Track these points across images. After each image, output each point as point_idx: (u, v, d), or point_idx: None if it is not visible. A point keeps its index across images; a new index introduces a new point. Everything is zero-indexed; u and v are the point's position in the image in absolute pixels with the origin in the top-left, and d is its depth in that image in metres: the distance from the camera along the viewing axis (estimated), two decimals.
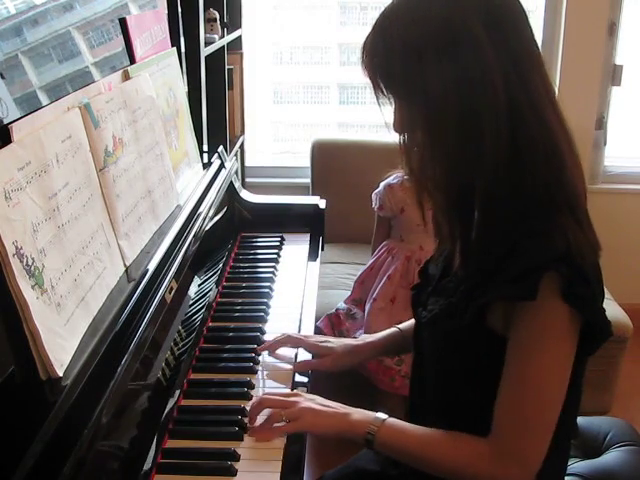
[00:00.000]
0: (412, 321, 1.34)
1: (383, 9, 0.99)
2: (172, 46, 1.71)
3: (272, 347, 1.34)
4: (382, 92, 0.98)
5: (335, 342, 1.34)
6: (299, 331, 1.45)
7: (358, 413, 1.09)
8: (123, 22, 1.42)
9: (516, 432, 0.97)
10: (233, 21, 2.80)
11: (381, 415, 1.07)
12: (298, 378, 1.29)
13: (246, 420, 1.14)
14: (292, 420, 1.09)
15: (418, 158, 1.01)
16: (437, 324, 1.09)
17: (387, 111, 1.01)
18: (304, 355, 1.34)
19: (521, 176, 0.95)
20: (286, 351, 1.35)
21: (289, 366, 1.32)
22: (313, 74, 3.41)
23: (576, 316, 0.94)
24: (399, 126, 1.01)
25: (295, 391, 1.19)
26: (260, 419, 1.13)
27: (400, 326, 1.36)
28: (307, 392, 1.24)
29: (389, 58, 0.95)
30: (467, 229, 1.02)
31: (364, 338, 1.37)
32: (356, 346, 1.33)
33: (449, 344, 1.06)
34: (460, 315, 1.01)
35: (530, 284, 0.92)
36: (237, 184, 1.95)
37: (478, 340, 1.01)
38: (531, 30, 0.98)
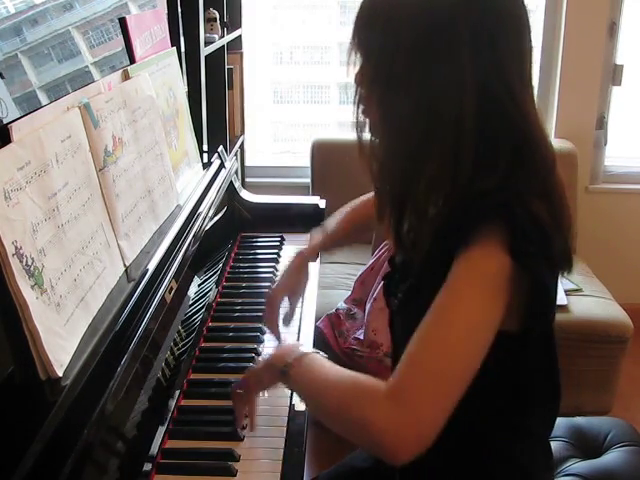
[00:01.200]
0: (335, 222, 1.43)
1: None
2: (172, 46, 1.71)
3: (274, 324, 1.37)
4: (354, 51, 0.98)
5: (282, 279, 1.40)
6: (299, 331, 1.44)
7: (286, 348, 1.08)
8: (123, 22, 1.42)
9: (414, 375, 0.87)
10: (233, 21, 2.80)
11: (308, 349, 1.02)
12: None
13: (246, 420, 1.14)
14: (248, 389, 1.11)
15: (371, 145, 1.01)
16: (405, 309, 1.06)
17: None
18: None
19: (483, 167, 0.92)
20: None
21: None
22: (313, 74, 3.41)
23: (517, 272, 0.87)
24: (357, 81, 0.99)
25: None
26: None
27: (325, 227, 1.43)
28: None
29: (371, 27, 0.95)
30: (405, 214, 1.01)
31: (297, 253, 1.42)
32: (295, 262, 1.40)
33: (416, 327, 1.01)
34: (421, 292, 0.96)
35: (467, 229, 0.88)
36: (237, 184, 1.95)
37: None
38: (525, 29, 0.95)
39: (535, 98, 0.98)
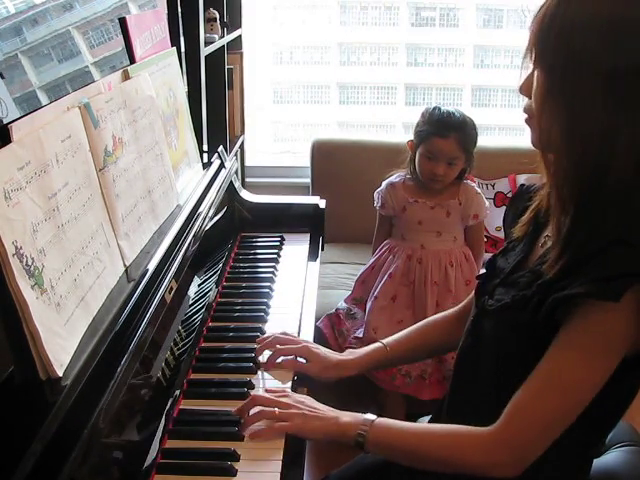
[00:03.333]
0: (399, 336, 1.37)
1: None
2: (172, 46, 1.71)
3: (259, 348, 1.34)
4: (536, 59, 0.98)
5: (324, 351, 1.33)
6: (299, 331, 1.44)
7: (347, 416, 1.09)
8: (123, 22, 1.42)
9: (523, 424, 0.97)
10: (233, 21, 2.80)
11: (370, 415, 1.08)
12: (298, 374, 1.29)
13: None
14: (282, 421, 1.09)
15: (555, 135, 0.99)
16: (505, 314, 1.07)
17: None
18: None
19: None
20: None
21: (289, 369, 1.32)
22: (313, 74, 3.42)
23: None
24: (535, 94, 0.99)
25: (284, 390, 1.18)
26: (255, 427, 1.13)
27: (385, 341, 1.35)
28: (307, 391, 1.25)
29: (555, 46, 0.94)
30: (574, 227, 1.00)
31: (350, 353, 1.35)
32: (342, 361, 1.32)
33: (514, 333, 1.04)
34: (534, 308, 1.00)
35: (617, 286, 0.90)
36: (237, 184, 1.95)
37: (544, 333, 0.99)
38: None
39: None
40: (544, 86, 0.97)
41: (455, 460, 1.02)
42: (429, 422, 1.30)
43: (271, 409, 1.11)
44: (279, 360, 1.31)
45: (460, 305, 1.37)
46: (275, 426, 1.10)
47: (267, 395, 1.15)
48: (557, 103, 0.96)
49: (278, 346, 1.32)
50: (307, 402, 1.13)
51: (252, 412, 1.13)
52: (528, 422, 0.97)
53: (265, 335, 1.38)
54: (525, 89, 1.01)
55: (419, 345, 1.38)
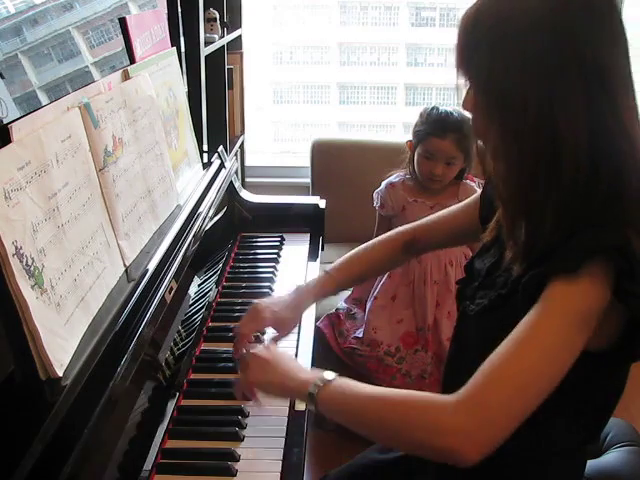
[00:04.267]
0: (340, 261, 1.44)
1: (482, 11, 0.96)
2: (172, 46, 1.71)
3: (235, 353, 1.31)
4: (464, 72, 0.98)
5: (276, 309, 1.31)
6: (299, 331, 1.44)
7: (308, 372, 1.05)
8: (123, 22, 1.42)
9: (490, 385, 0.89)
10: (233, 21, 2.80)
11: (330, 374, 1.02)
12: None
13: (246, 420, 1.14)
14: (242, 370, 1.12)
15: (493, 164, 1.00)
16: (486, 316, 1.06)
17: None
18: (303, 354, 1.35)
19: (597, 184, 0.93)
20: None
21: None
22: (313, 74, 3.41)
23: (615, 316, 0.91)
24: (468, 106, 1.00)
25: (268, 347, 1.16)
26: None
27: (327, 269, 1.41)
28: None
29: (479, 52, 0.95)
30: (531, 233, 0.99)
31: (296, 290, 1.36)
32: (295, 302, 1.33)
33: (498, 335, 1.00)
34: (511, 305, 0.98)
35: (577, 258, 0.89)
36: (237, 184, 1.95)
37: None
38: (627, 54, 0.95)
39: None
40: (485, 99, 0.96)
41: (409, 426, 0.92)
42: None
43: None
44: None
45: (409, 227, 1.46)
46: (239, 382, 1.14)
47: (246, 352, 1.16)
48: (499, 112, 0.95)
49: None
50: (277, 354, 1.12)
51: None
52: (497, 383, 0.89)
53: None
54: (468, 106, 1.00)
55: (363, 269, 1.43)
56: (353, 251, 1.43)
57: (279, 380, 1.07)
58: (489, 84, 0.95)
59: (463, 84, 0.99)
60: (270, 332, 1.36)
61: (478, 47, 0.95)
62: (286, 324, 1.32)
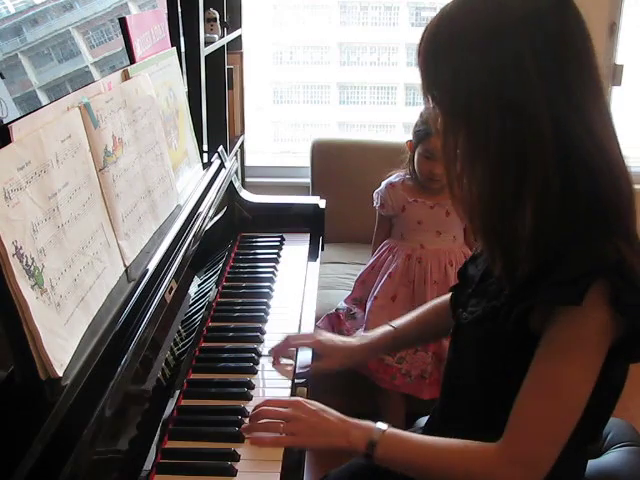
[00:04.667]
0: (407, 318, 1.37)
1: (439, 13, 0.98)
2: (172, 46, 1.71)
3: (277, 355, 1.33)
4: (428, 92, 0.99)
5: (337, 340, 1.34)
6: (299, 331, 1.44)
7: (357, 428, 1.06)
8: (123, 22, 1.42)
9: (528, 437, 0.96)
10: (233, 21, 2.80)
11: (381, 425, 1.05)
12: (298, 377, 1.29)
13: (246, 420, 1.14)
14: (289, 434, 1.07)
15: (461, 183, 1.00)
16: (479, 326, 1.08)
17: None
18: (304, 354, 1.34)
19: (576, 200, 0.93)
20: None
21: (289, 367, 1.32)
22: (313, 74, 3.41)
23: (616, 325, 0.92)
24: (440, 133, 1.01)
25: (296, 399, 1.14)
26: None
27: (394, 324, 1.36)
28: (307, 391, 1.24)
29: (438, 84, 0.97)
30: (510, 245, 0.99)
31: (361, 338, 1.36)
32: (357, 347, 1.33)
33: (491, 345, 1.05)
34: (504, 318, 1.00)
35: (579, 289, 0.90)
36: (237, 184, 1.95)
37: (520, 342, 0.99)
38: (593, 57, 0.96)
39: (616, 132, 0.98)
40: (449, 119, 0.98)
41: (470, 477, 1.00)
42: (427, 423, 1.30)
43: (277, 422, 1.08)
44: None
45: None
46: (280, 439, 1.08)
47: (274, 408, 1.11)
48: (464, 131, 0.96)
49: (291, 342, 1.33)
50: (318, 413, 1.08)
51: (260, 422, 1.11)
52: (533, 435, 0.96)
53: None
54: (449, 147, 1.00)
55: (427, 328, 1.38)
56: (419, 310, 1.39)
57: (327, 442, 1.06)
58: (453, 105, 0.96)
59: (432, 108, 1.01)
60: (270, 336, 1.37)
61: (438, 72, 0.96)
62: (333, 357, 1.31)
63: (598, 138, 0.93)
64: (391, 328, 1.35)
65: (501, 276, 1.02)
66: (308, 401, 1.11)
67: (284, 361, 1.33)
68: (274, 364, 1.32)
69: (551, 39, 0.93)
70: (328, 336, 1.35)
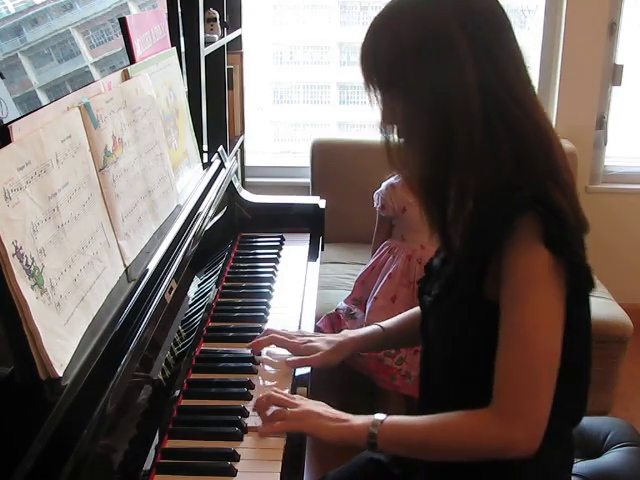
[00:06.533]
0: (395, 319, 1.39)
1: (380, 11, 1.07)
2: (172, 46, 1.71)
3: (255, 345, 1.34)
4: (371, 88, 1.07)
5: (318, 340, 1.34)
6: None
7: (359, 419, 1.09)
8: (123, 22, 1.42)
9: (514, 391, 0.97)
10: (233, 21, 2.80)
11: (380, 415, 1.08)
12: (298, 375, 1.29)
13: (246, 420, 1.14)
14: (295, 420, 1.10)
15: (398, 151, 1.08)
16: (439, 304, 1.12)
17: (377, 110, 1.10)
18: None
19: (502, 165, 1.00)
20: (283, 350, 1.35)
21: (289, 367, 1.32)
22: (313, 74, 3.41)
23: (558, 262, 0.96)
24: (383, 120, 1.08)
25: (301, 398, 1.18)
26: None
27: (382, 324, 1.38)
28: (307, 390, 1.25)
29: (377, 57, 1.04)
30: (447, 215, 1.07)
31: (345, 334, 1.37)
32: (340, 343, 1.33)
33: (452, 322, 1.08)
34: (457, 286, 1.05)
35: (507, 223, 0.96)
36: (237, 184, 1.95)
37: (479, 314, 1.03)
38: (513, 35, 1.03)
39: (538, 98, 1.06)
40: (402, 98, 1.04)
41: (471, 446, 1.02)
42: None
43: (284, 409, 1.12)
44: (289, 359, 1.32)
45: None
46: (290, 423, 1.10)
47: (282, 395, 1.15)
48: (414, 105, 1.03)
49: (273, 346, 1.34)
50: (322, 406, 1.13)
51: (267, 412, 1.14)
52: (517, 387, 0.97)
53: (261, 335, 1.37)
54: (389, 119, 1.08)
55: (413, 330, 1.37)
56: (409, 311, 1.41)
57: (334, 428, 1.09)
58: (390, 74, 1.03)
59: (375, 99, 1.08)
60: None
61: (377, 46, 1.04)
62: (320, 359, 1.30)
63: (521, 101, 1.01)
64: (379, 328, 1.37)
65: (443, 243, 1.09)
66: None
67: (277, 352, 1.34)
68: (253, 350, 1.33)
69: (478, 13, 1.01)
70: (309, 340, 1.34)
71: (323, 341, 1.34)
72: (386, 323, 1.38)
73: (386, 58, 1.02)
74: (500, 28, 1.02)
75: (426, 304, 1.18)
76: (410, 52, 1.00)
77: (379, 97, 1.07)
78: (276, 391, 1.16)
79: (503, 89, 1.00)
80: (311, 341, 1.33)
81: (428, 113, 1.01)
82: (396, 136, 1.08)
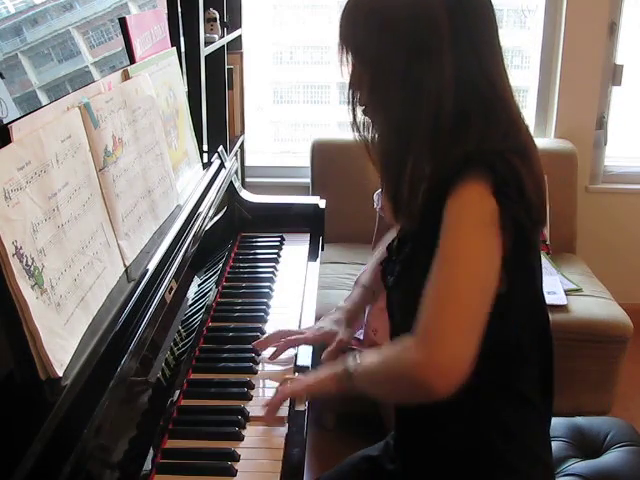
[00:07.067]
0: (370, 270, 1.41)
1: None
2: (172, 46, 1.71)
3: (260, 345, 1.35)
4: (344, 49, 1.07)
5: (327, 323, 1.37)
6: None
7: (336, 363, 1.13)
8: (123, 22, 1.42)
9: (434, 312, 0.95)
10: (233, 21, 2.80)
11: (355, 358, 1.10)
12: (300, 366, 1.31)
13: (248, 409, 1.16)
14: (286, 389, 1.16)
15: (362, 117, 1.08)
16: (401, 280, 1.11)
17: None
18: (303, 354, 1.34)
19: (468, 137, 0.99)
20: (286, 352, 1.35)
21: (289, 365, 1.32)
22: (313, 74, 3.41)
23: (501, 213, 0.94)
24: (350, 83, 1.08)
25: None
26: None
27: (363, 282, 1.41)
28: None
29: (355, 24, 1.06)
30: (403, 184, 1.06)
31: (342, 307, 1.40)
32: (348, 318, 1.37)
33: (415, 296, 1.04)
34: (415, 258, 1.05)
35: (457, 172, 0.96)
36: (237, 184, 1.95)
37: None
38: (496, 28, 1.04)
39: (509, 77, 1.05)
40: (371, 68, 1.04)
41: (396, 374, 1.01)
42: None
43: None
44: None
45: None
46: (283, 393, 1.16)
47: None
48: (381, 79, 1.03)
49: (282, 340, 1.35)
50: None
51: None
52: (437, 308, 0.95)
53: (265, 335, 1.38)
54: (356, 84, 1.07)
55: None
56: (375, 258, 1.42)
57: (314, 377, 1.15)
58: (367, 48, 1.03)
59: (345, 61, 1.07)
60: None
61: (355, 23, 1.07)
62: (334, 335, 1.34)
63: (493, 82, 1.01)
64: (362, 288, 1.41)
65: (396, 217, 1.10)
66: None
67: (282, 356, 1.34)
68: (259, 350, 1.35)
69: (467, 3, 1.01)
70: (320, 327, 1.37)
71: (331, 322, 1.36)
72: (364, 279, 1.41)
73: (365, 28, 1.03)
74: (487, 22, 1.02)
75: (389, 284, 1.17)
76: (390, 26, 0.99)
77: (349, 59, 1.06)
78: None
79: (482, 78, 1.00)
80: (322, 327, 1.36)
81: (398, 86, 1.01)
82: (359, 103, 1.08)
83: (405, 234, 1.13)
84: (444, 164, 0.99)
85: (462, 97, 0.99)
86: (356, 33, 1.05)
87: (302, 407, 1.18)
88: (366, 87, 1.05)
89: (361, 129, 1.09)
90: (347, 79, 1.08)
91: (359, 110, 1.08)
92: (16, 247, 0.84)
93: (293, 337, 1.34)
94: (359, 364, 1.08)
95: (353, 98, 1.08)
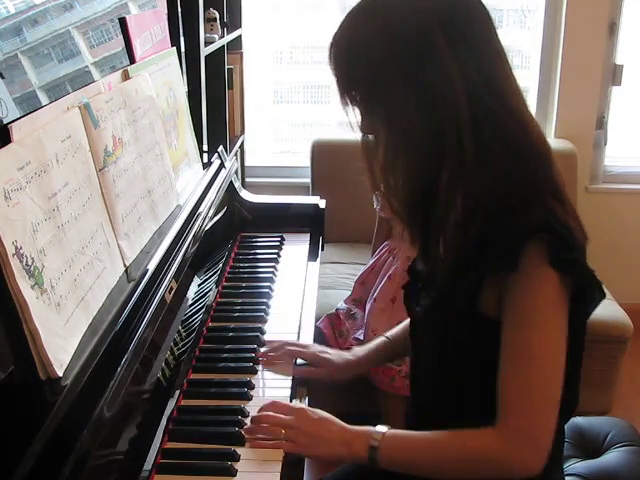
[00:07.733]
0: (400, 327, 1.37)
1: (351, 10, 1.04)
2: (172, 46, 1.71)
3: (268, 356, 1.33)
4: (346, 93, 1.02)
5: (333, 354, 1.34)
6: (299, 331, 1.44)
7: (358, 436, 1.05)
8: (123, 22, 1.42)
9: (523, 410, 0.96)
10: (233, 21, 2.80)
11: (380, 428, 1.05)
12: (297, 379, 1.29)
13: (247, 421, 1.14)
14: (289, 441, 1.07)
15: (380, 164, 1.03)
16: (430, 317, 1.10)
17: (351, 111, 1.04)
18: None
19: (495, 177, 0.97)
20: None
21: (289, 366, 1.32)
22: (313, 74, 3.41)
23: (564, 281, 0.95)
24: (363, 128, 1.04)
25: (300, 407, 1.13)
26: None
27: (388, 334, 1.37)
28: (306, 392, 1.24)
29: (354, 65, 1.00)
30: (432, 228, 1.03)
31: (356, 353, 1.36)
32: (353, 361, 1.33)
33: (444, 335, 1.05)
34: (450, 301, 1.02)
35: (512, 255, 0.94)
36: (237, 184, 1.95)
37: (472, 327, 1.02)
38: (496, 35, 1.00)
39: (525, 98, 1.02)
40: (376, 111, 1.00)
41: (477, 466, 1.00)
42: (406, 421, 1.31)
43: (279, 429, 1.09)
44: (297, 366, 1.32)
45: None
46: (280, 444, 1.07)
47: (277, 415, 1.11)
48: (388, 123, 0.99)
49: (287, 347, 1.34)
50: (320, 423, 1.08)
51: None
52: (525, 407, 0.96)
53: (271, 340, 1.38)
54: (368, 130, 1.03)
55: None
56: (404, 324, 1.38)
57: (327, 452, 1.06)
58: (372, 94, 0.99)
59: (355, 119, 1.03)
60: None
61: (353, 69, 0.99)
62: (331, 365, 1.31)
63: (510, 106, 0.98)
64: (385, 339, 1.36)
65: (436, 261, 1.06)
66: (311, 410, 1.10)
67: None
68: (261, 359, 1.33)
69: (456, 13, 0.97)
70: (324, 350, 1.34)
71: (337, 354, 1.34)
72: (391, 333, 1.37)
73: (364, 70, 0.98)
74: (485, 29, 0.99)
75: (416, 314, 1.15)
76: (390, 66, 0.96)
77: (356, 111, 1.03)
78: (274, 405, 1.12)
79: (493, 99, 0.96)
80: (326, 352, 1.33)
81: (415, 130, 0.97)
82: (372, 144, 1.04)
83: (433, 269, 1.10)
84: (479, 206, 0.97)
85: (481, 129, 0.96)
86: (360, 86, 1.00)
87: (302, 406, 1.18)
88: (382, 127, 1.00)
89: (386, 181, 1.04)
90: (357, 129, 1.04)
91: (375, 162, 1.04)
92: (16, 247, 0.84)
93: (295, 348, 1.33)
94: (389, 438, 1.03)
95: (368, 151, 1.04)
